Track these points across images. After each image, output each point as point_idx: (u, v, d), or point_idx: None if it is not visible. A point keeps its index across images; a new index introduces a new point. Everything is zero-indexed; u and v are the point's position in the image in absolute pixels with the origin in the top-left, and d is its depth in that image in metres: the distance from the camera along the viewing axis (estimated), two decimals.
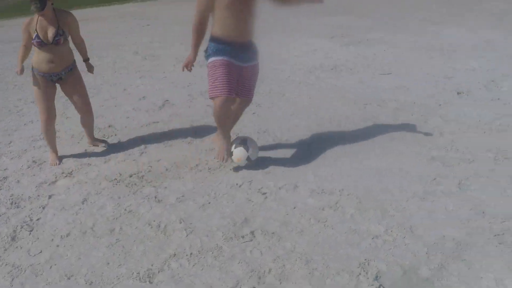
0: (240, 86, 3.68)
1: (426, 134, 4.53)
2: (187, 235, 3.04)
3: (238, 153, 3.80)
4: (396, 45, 8.11)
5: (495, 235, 2.94)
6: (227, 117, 3.68)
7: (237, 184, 3.66)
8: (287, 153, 4.20)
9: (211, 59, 3.48)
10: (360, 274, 2.66)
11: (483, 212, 3.20)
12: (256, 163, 3.92)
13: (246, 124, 4.81)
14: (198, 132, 4.71)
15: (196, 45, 3.52)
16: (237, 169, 3.89)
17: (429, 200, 3.37)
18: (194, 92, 5.98)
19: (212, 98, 3.56)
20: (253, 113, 5.12)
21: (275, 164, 3.97)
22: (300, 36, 8.94)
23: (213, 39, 3.49)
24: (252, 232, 3.06)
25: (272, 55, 7.22)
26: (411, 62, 7.12)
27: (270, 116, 5.13)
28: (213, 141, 4.14)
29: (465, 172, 3.78)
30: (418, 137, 4.47)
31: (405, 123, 4.86)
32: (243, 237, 3.02)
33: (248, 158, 3.83)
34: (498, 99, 5.45)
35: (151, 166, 4.02)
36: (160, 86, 6.34)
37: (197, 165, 3.99)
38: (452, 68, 6.73)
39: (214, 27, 3.46)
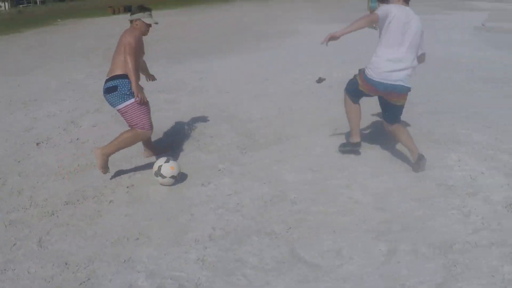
0: None
1: (2, 197, 5.34)
2: None
3: (172, 163, 5.34)
4: None
5: (81, 283, 3.76)
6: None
7: None
8: None
9: (133, 99, 5.45)
10: None
11: (66, 263, 4.01)
12: None
13: None
14: None
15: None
16: None
17: None
18: None
19: (141, 129, 5.55)
20: None
21: None
22: None
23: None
24: None
25: None
26: None
27: None
28: (101, 155, 5.47)
29: (46, 226, 4.65)
30: None
31: None
32: None
33: (179, 172, 5.36)
34: (77, 139, 6.96)
35: None
36: None
37: None
38: (33, 119, 8.13)
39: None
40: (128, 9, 45.59)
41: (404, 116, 7.16)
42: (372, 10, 18.88)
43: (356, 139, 5.87)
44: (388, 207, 4.66)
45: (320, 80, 9.47)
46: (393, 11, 5.13)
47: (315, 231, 4.28)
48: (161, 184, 5.31)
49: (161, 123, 7.24)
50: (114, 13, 42.37)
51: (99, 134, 7.07)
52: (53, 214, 4.91)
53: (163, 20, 24.59)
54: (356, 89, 5.59)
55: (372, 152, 6.00)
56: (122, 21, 30.05)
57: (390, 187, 5.08)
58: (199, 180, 5.39)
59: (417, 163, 5.36)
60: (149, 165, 5.72)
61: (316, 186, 5.15)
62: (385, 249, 3.98)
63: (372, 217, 4.48)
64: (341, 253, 3.96)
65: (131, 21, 5.71)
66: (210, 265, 3.90)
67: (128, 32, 5.55)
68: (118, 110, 5.58)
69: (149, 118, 5.62)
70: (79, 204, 5.06)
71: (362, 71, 5.47)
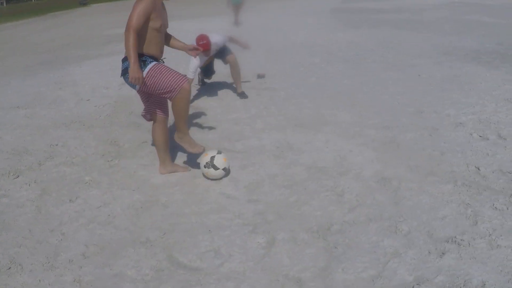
0: None
1: None
2: None
3: (224, 155, 5.06)
4: None
5: None
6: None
7: None
8: None
9: (152, 64, 4.85)
10: None
11: None
12: None
13: None
14: None
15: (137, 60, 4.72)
16: None
17: None
18: None
19: (178, 88, 4.81)
20: None
21: None
22: None
23: (145, 55, 4.90)
24: None
25: None
26: None
27: None
28: (180, 139, 5.12)
29: None
30: None
31: None
32: None
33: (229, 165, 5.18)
34: None
35: None
36: None
37: None
38: None
39: (144, 46, 4.90)
40: None
41: (267, 103, 7.24)
42: (233, 5, 18.88)
43: None
44: (261, 198, 4.60)
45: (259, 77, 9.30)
46: None
47: (190, 233, 4.10)
48: (208, 176, 4.99)
49: (21, 140, 6.74)
50: None
51: None
52: None
53: (14, 33, 24.00)
54: None
55: (237, 145, 5.94)
56: None
57: (260, 177, 5.04)
58: (66, 196, 5.00)
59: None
60: (13, 189, 5.27)
61: (185, 186, 5.00)
62: (263, 241, 3.89)
63: (246, 210, 4.39)
64: (220, 251, 3.81)
65: None
66: (88, 285, 3.60)
67: None
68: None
69: (176, 73, 4.85)
70: None
71: None
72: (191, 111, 7.23)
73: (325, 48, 11.93)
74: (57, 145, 6.49)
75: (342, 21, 17.81)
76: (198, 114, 7.23)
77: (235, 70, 7.99)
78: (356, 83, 8.32)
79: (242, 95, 8.02)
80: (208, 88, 8.67)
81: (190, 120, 6.93)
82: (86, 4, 59.22)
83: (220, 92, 8.41)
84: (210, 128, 6.62)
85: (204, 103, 7.73)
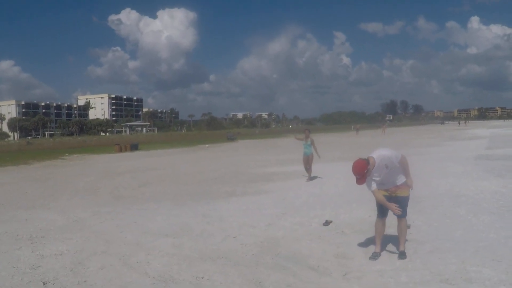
0: None
1: None
2: None
3: None
4: None
5: None
6: None
7: None
8: None
9: None
10: None
11: None
12: None
13: None
14: None
15: None
16: None
17: None
18: None
19: None
20: None
21: None
22: None
23: None
24: None
25: None
26: None
27: None
28: None
29: None
30: None
31: None
32: None
33: None
34: (85, 281, 6.78)
35: None
36: None
37: None
38: (40, 256, 8.06)
39: None
40: (134, 148, 46.85)
41: (412, 256, 7.17)
42: (305, 156, 18.50)
43: (377, 249, 7.55)
44: None
45: (327, 223, 9.51)
46: None
47: None
48: None
49: (168, 268, 7.22)
50: (120, 151, 43.70)
51: (107, 277, 6.95)
52: None
53: (164, 160, 25.71)
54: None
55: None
56: (128, 159, 31.55)
57: None
58: None
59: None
60: None
61: None
62: None
63: None
64: None
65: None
66: None
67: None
68: None
69: None
70: None
71: None
72: (335, 259, 7.42)
73: (469, 198, 11.66)
74: (202, 278, 6.83)
75: (487, 169, 17.35)
76: (343, 262, 7.25)
77: (402, 224, 7.53)
78: (502, 237, 8.00)
79: (402, 255, 7.39)
80: (356, 234, 8.80)
81: (333, 266, 7.06)
82: (234, 140, 62.73)
83: (366, 240, 8.39)
84: (355, 277, 6.59)
85: (349, 250, 7.85)
